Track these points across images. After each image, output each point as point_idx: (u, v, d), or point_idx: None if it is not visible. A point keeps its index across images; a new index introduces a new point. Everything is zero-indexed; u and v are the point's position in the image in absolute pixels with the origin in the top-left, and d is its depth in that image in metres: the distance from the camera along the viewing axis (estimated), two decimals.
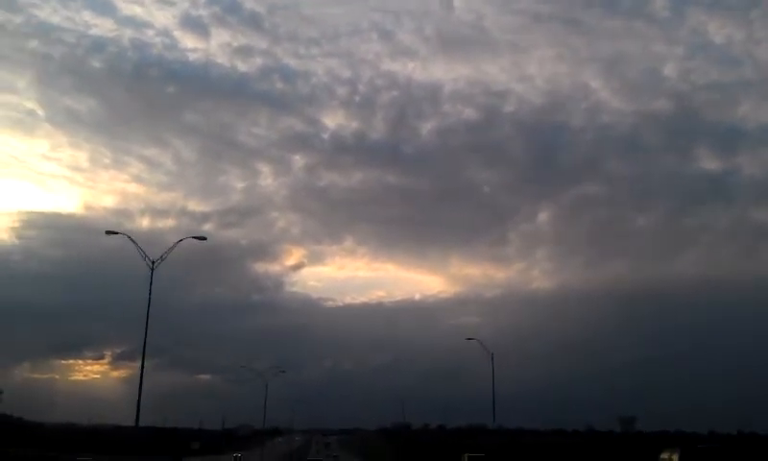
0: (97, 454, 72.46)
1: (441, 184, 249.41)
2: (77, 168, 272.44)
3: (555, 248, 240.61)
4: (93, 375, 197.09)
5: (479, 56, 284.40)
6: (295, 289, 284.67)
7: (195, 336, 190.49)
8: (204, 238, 41.79)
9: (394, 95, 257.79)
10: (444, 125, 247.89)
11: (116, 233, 37.36)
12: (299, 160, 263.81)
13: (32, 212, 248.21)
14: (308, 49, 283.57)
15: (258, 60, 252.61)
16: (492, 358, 54.63)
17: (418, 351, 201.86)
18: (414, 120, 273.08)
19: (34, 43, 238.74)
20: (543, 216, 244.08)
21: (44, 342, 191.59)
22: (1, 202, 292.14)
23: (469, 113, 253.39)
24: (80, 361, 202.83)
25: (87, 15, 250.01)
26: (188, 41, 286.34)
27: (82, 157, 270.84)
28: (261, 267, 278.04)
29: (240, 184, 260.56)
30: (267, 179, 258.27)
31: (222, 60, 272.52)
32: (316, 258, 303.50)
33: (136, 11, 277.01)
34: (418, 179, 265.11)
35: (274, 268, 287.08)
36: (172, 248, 37.25)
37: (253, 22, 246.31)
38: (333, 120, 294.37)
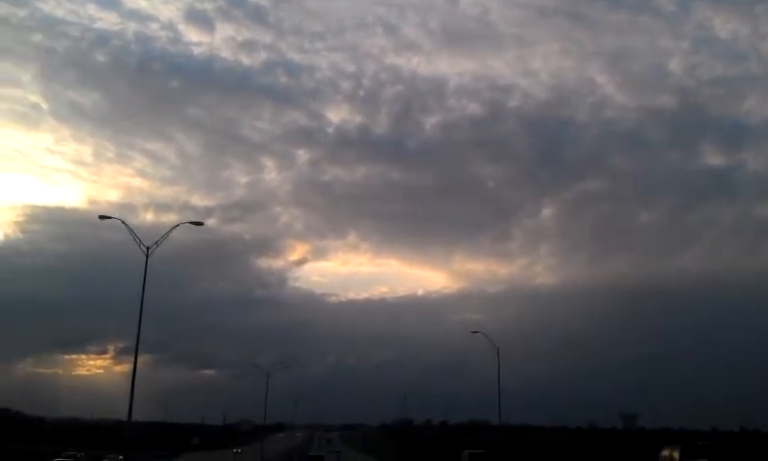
0: (95, 449, 72.45)
1: (444, 179, 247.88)
2: (80, 162, 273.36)
3: (559, 243, 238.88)
4: (96, 369, 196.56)
5: (484, 50, 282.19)
6: (298, 284, 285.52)
7: (198, 331, 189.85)
8: (201, 223, 41.97)
9: (398, 89, 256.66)
10: (448, 120, 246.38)
11: (109, 218, 37.72)
12: (302, 155, 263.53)
13: (35, 206, 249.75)
14: (312, 43, 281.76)
15: (262, 55, 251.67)
16: (498, 353, 53.73)
17: (421, 347, 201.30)
18: (418, 115, 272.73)
19: (38, 37, 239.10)
20: (547, 212, 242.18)
21: (48, 336, 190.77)
22: (5, 196, 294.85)
23: (474, 108, 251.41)
24: (83, 356, 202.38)
25: (92, 9, 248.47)
26: (192, 35, 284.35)
27: (85, 151, 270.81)
28: (264, 262, 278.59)
29: (244, 179, 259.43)
30: (271, 173, 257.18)
31: (226, 53, 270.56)
32: (319, 254, 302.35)
33: (141, 4, 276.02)
34: (421, 174, 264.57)
35: (277, 263, 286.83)
36: (168, 233, 37.00)
37: (258, 16, 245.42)
38: (337, 114, 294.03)
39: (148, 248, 35.86)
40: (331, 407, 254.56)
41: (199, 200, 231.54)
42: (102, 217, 37.80)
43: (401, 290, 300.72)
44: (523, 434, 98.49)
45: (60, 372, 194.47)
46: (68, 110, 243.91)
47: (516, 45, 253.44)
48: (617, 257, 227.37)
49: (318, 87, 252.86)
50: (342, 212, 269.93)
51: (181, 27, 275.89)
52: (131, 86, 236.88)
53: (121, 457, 58.45)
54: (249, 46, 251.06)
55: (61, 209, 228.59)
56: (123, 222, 36.65)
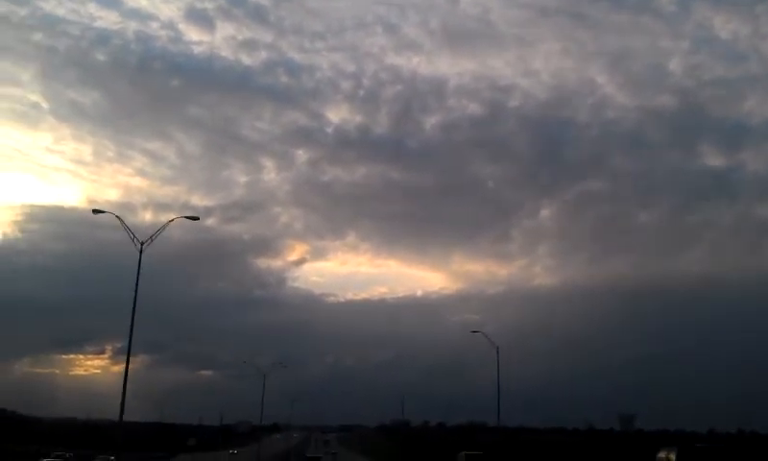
0: (88, 450, 71.89)
1: (444, 180, 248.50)
2: (80, 161, 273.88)
3: (558, 244, 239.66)
4: (94, 369, 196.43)
5: (485, 50, 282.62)
6: (297, 285, 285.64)
7: (197, 331, 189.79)
8: (197, 218, 41.82)
9: (398, 89, 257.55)
10: (448, 120, 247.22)
11: (103, 212, 37.57)
12: (302, 155, 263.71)
13: (35, 206, 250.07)
14: (313, 43, 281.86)
15: (263, 54, 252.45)
16: (498, 352, 53.30)
17: (419, 348, 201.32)
18: (418, 115, 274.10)
19: (38, 36, 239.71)
20: (547, 212, 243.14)
21: (45, 336, 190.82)
22: (4, 195, 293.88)
23: (474, 108, 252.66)
24: (80, 356, 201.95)
25: (92, 8, 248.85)
26: (193, 34, 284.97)
27: (85, 150, 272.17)
28: (264, 262, 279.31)
29: (243, 179, 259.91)
30: (270, 173, 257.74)
31: (226, 53, 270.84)
32: (318, 254, 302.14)
33: (141, 3, 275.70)
34: (421, 174, 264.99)
35: (276, 263, 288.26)
36: (163, 228, 36.75)
37: (258, 15, 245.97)
38: (337, 114, 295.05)
39: (142, 243, 35.61)
40: (329, 408, 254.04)
41: (198, 199, 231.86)
42: (95, 211, 37.56)
43: (400, 291, 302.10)
44: (520, 436, 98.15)
45: (58, 372, 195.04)
46: (68, 109, 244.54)
47: (516, 45, 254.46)
48: (617, 258, 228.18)
49: (318, 87, 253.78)
50: (341, 212, 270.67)
51: (182, 26, 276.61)
52: (131, 86, 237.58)
53: (112, 458, 57.90)
54: (249, 45, 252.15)
55: (61, 209, 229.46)
56: (117, 217, 36.48)
